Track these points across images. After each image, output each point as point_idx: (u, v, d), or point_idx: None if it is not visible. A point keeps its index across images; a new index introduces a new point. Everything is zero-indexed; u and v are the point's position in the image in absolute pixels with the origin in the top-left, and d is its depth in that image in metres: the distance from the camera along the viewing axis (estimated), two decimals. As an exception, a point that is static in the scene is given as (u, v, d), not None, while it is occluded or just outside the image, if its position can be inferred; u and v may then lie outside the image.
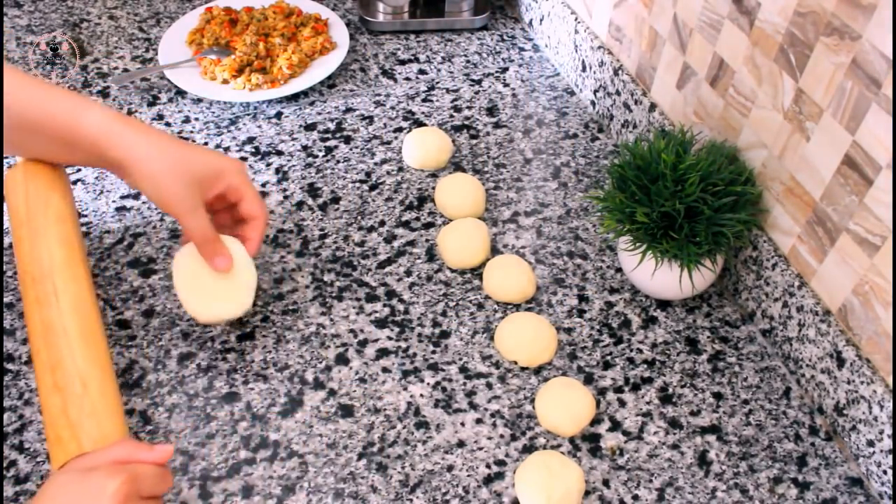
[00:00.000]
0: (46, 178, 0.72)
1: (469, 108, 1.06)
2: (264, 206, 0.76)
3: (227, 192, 0.73)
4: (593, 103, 1.06)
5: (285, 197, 0.93)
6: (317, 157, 0.98)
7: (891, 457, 0.65)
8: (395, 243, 0.88)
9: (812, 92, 0.68)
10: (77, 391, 0.61)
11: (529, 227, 0.91)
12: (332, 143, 1.00)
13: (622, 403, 0.74)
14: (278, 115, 1.04)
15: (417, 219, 0.91)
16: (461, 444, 0.71)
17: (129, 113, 1.03)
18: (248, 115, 1.04)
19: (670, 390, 0.76)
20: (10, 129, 0.66)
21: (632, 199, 0.75)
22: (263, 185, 0.94)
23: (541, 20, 1.16)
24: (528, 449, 0.71)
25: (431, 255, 0.87)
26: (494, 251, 0.88)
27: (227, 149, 0.98)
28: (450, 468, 0.69)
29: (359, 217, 0.91)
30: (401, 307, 0.82)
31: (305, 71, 1.07)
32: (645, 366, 0.77)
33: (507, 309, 0.82)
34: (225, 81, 1.05)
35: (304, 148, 0.99)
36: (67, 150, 0.69)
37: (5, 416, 0.71)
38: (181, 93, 1.06)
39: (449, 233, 0.85)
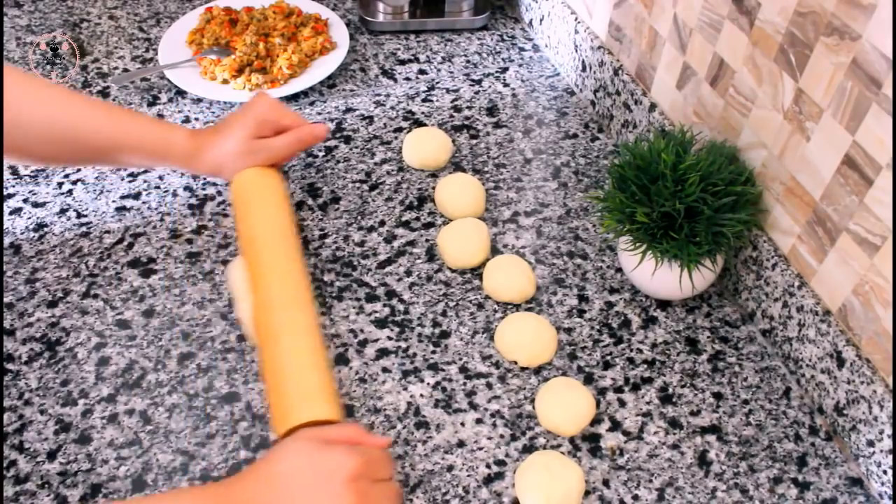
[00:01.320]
0: (275, 175, 0.85)
1: (469, 108, 1.06)
2: (298, 115, 0.87)
3: (273, 128, 0.84)
4: (593, 103, 1.06)
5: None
6: (317, 157, 0.98)
7: (891, 457, 0.65)
8: (395, 243, 0.88)
9: (812, 92, 0.68)
10: (315, 362, 0.68)
11: (529, 227, 0.91)
12: (332, 143, 1.00)
13: (622, 403, 0.74)
14: (278, 115, 1.04)
15: (417, 219, 0.91)
16: (461, 444, 0.71)
17: (129, 113, 1.03)
18: (248, 115, 1.04)
19: (670, 390, 0.76)
20: (107, 151, 0.79)
21: (632, 199, 0.75)
22: (263, 185, 0.94)
23: (541, 20, 1.16)
24: (528, 449, 0.71)
25: (431, 255, 0.87)
26: (494, 251, 0.88)
27: (227, 149, 0.98)
28: (450, 468, 0.69)
29: (359, 217, 0.91)
30: (401, 307, 0.82)
31: (305, 71, 1.07)
32: (645, 366, 0.77)
33: (507, 309, 0.82)
34: (225, 81, 1.05)
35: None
36: (159, 162, 0.84)
37: (5, 416, 0.71)
38: (181, 93, 1.06)
39: (449, 233, 0.85)
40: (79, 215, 0.90)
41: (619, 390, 0.75)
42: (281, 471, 0.56)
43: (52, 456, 0.69)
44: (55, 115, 0.74)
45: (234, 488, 0.57)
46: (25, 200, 0.91)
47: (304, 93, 1.07)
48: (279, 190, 0.83)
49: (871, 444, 0.68)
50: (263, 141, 0.82)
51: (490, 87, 1.10)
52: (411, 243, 0.88)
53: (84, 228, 0.88)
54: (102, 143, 0.77)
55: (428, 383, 0.75)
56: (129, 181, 0.94)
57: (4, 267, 0.84)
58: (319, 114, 1.04)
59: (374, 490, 0.57)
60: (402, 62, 1.14)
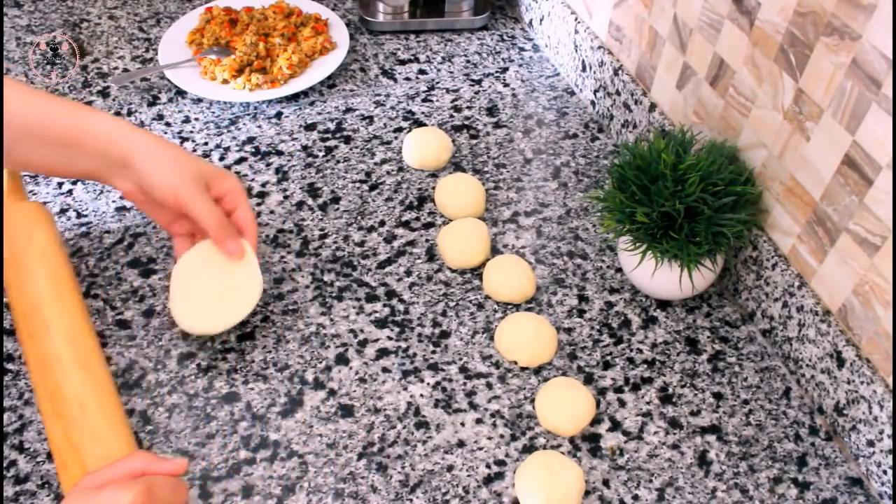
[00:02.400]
0: (27, 215, 0.74)
1: (469, 108, 1.06)
2: (255, 219, 0.77)
3: (226, 196, 0.74)
4: (593, 103, 1.06)
5: (285, 197, 0.93)
6: (317, 157, 0.98)
7: (891, 457, 0.65)
8: (395, 243, 0.88)
9: (812, 92, 0.68)
10: (76, 415, 0.62)
11: (529, 227, 0.91)
12: (332, 143, 1.00)
13: (622, 403, 0.74)
14: (278, 115, 1.04)
15: (417, 219, 0.91)
16: (461, 444, 0.71)
17: (129, 113, 1.03)
18: (248, 115, 1.04)
19: (670, 390, 0.76)
20: (14, 140, 0.66)
21: (632, 199, 0.75)
22: (263, 185, 0.94)
23: (541, 20, 1.16)
24: (528, 449, 0.71)
25: (431, 255, 0.87)
26: (494, 251, 0.88)
27: (227, 149, 0.99)
28: (450, 468, 0.69)
29: (359, 217, 0.91)
30: (401, 307, 0.82)
31: (305, 71, 1.07)
32: (645, 366, 0.77)
33: (507, 309, 0.82)
34: (225, 81, 1.05)
35: (304, 148, 0.99)
36: (72, 155, 0.69)
37: (5, 416, 0.71)
38: (181, 93, 1.06)
39: (449, 233, 0.85)
40: (79, 215, 0.90)
41: (619, 390, 0.75)
42: None
43: (52, 456, 0.69)
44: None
45: None
46: (25, 200, 0.91)
47: (304, 93, 1.07)
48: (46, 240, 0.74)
49: (871, 444, 0.68)
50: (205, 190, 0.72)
51: (490, 87, 1.10)
52: (411, 243, 0.88)
53: (84, 228, 0.88)
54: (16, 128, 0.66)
55: (428, 383, 0.75)
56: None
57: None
58: (319, 114, 1.04)
59: None
60: (402, 62, 1.14)
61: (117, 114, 1.03)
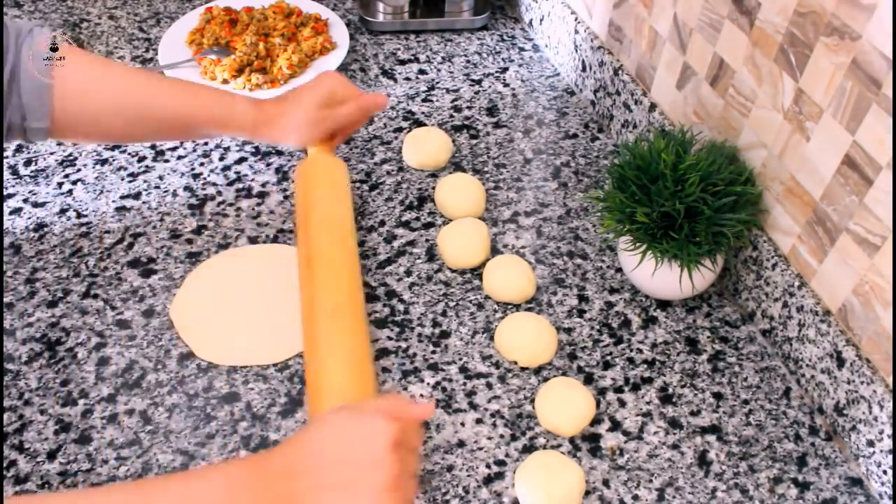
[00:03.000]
0: (334, 165, 0.85)
1: (469, 108, 1.06)
2: (360, 90, 0.88)
3: (338, 100, 0.85)
4: (593, 103, 1.06)
5: (285, 197, 0.93)
6: (317, 157, 0.98)
7: (891, 457, 0.65)
8: (395, 243, 0.88)
9: (812, 92, 0.68)
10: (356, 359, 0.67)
11: (529, 227, 0.91)
12: (332, 143, 1.00)
13: (622, 403, 0.74)
14: (278, 115, 1.04)
15: (417, 219, 0.91)
16: (461, 444, 0.71)
17: (129, 113, 1.03)
18: (248, 115, 1.04)
19: (670, 390, 0.76)
20: (174, 125, 0.80)
21: (632, 199, 0.75)
22: (263, 185, 0.94)
23: (541, 20, 1.16)
24: (528, 449, 0.71)
25: (431, 255, 0.87)
26: (494, 251, 0.88)
27: (227, 148, 0.99)
28: (450, 468, 0.69)
29: (359, 217, 0.91)
30: (401, 307, 0.82)
31: (305, 71, 1.07)
32: (645, 366, 0.77)
33: (507, 309, 0.82)
34: (225, 81, 1.05)
35: (305, 149, 0.99)
36: (225, 132, 0.84)
37: (5, 416, 0.71)
38: (181, 93, 1.06)
39: (449, 233, 0.85)
40: (79, 215, 0.90)
41: (619, 390, 0.75)
42: (320, 437, 0.55)
43: (52, 456, 0.69)
44: (123, 93, 0.77)
45: (270, 457, 0.55)
46: (25, 200, 0.91)
47: (304, 93, 1.07)
48: (342, 181, 0.84)
49: (871, 444, 0.68)
50: (329, 110, 0.84)
51: (490, 87, 1.10)
52: (411, 243, 0.88)
53: (84, 228, 0.88)
54: (170, 118, 0.80)
55: (428, 383, 0.75)
56: (129, 181, 0.94)
57: (4, 267, 0.84)
58: (319, 114, 1.04)
59: (409, 459, 0.57)
60: (402, 62, 1.14)
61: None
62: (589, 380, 0.76)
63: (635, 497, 0.68)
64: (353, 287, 0.73)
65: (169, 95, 0.79)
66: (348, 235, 0.78)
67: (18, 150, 0.97)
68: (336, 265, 0.74)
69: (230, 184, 0.94)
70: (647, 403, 0.74)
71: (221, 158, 0.97)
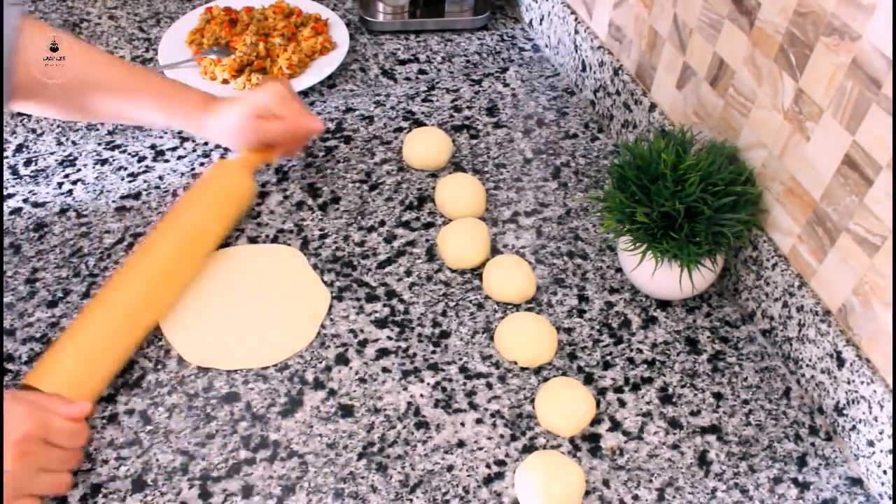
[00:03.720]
0: (238, 180, 0.87)
1: (469, 108, 1.06)
2: (302, 111, 0.89)
3: (271, 113, 0.86)
4: (593, 103, 1.06)
5: (285, 197, 0.93)
6: (317, 157, 0.98)
7: (891, 457, 0.65)
8: (395, 243, 0.88)
9: (812, 92, 0.68)
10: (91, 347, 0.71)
11: (529, 227, 0.91)
12: (332, 143, 1.00)
13: (622, 403, 0.74)
14: (278, 115, 1.04)
15: (417, 219, 0.91)
16: (461, 444, 0.71)
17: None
18: (248, 115, 1.04)
19: (670, 390, 0.76)
20: (124, 101, 0.84)
21: (632, 199, 0.75)
22: (263, 185, 0.94)
23: (541, 20, 1.16)
24: (528, 449, 0.71)
25: (431, 255, 0.87)
26: (494, 251, 0.88)
27: (226, 149, 0.98)
28: (450, 468, 0.69)
29: (359, 217, 0.91)
30: (401, 307, 0.82)
31: (305, 71, 1.07)
32: (645, 366, 0.77)
33: (507, 309, 0.82)
34: (225, 81, 1.05)
35: (304, 148, 0.99)
36: (172, 119, 0.87)
37: (5, 416, 0.71)
38: (181, 93, 1.06)
39: (449, 233, 0.85)
40: (79, 215, 0.90)
41: (619, 390, 0.75)
42: None
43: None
44: (81, 69, 0.79)
45: None
46: (25, 200, 0.91)
47: (304, 93, 1.07)
48: (233, 200, 0.86)
49: (871, 444, 0.68)
50: (259, 121, 0.85)
51: (490, 87, 1.10)
52: (411, 243, 0.88)
53: (84, 228, 0.88)
54: (112, 85, 0.82)
55: (428, 383, 0.75)
56: (129, 181, 0.94)
57: (4, 267, 0.84)
58: (319, 113, 1.04)
59: (43, 453, 0.62)
60: (402, 62, 1.14)
61: (117, 114, 1.03)
62: (589, 380, 0.76)
63: (635, 497, 0.68)
64: (154, 297, 0.77)
65: (118, 76, 0.82)
66: (197, 250, 0.81)
67: (18, 150, 0.97)
68: (160, 270, 0.78)
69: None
70: (647, 403, 0.74)
71: (222, 157, 0.97)
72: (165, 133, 1.00)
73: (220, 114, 0.85)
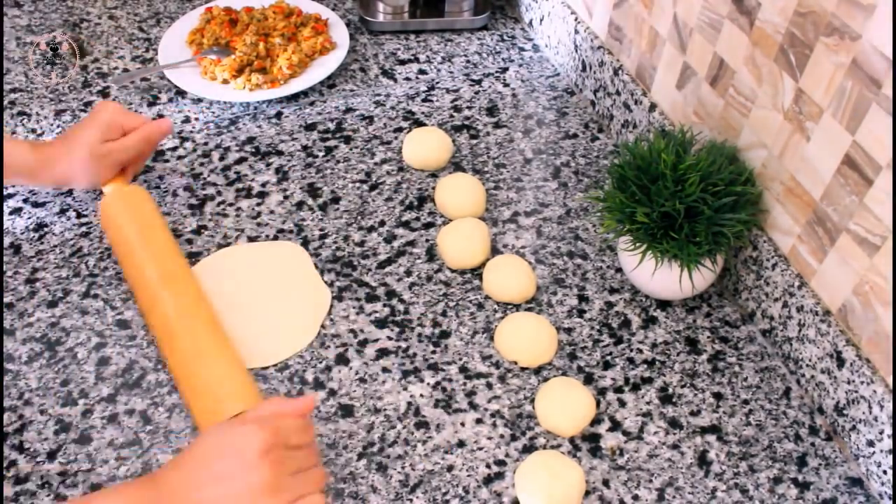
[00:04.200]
0: (130, 196, 0.85)
1: (469, 108, 1.06)
2: (143, 117, 0.88)
3: (120, 130, 0.86)
4: (593, 103, 1.06)
5: (285, 197, 0.93)
6: (317, 157, 0.98)
7: (891, 457, 0.65)
8: (395, 243, 0.88)
9: (812, 92, 0.68)
10: (217, 361, 0.72)
11: (529, 227, 0.91)
12: (332, 143, 1.00)
13: (622, 403, 0.74)
14: (278, 115, 1.04)
15: (417, 219, 0.91)
16: (461, 444, 0.71)
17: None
18: (248, 115, 1.04)
19: (670, 390, 0.76)
20: None
21: (632, 199, 0.75)
22: (263, 185, 0.94)
23: (541, 20, 1.16)
24: (528, 449, 0.71)
25: (431, 255, 0.87)
26: (494, 251, 0.88)
27: (227, 149, 0.99)
28: (450, 468, 0.69)
29: (359, 217, 0.91)
30: (401, 307, 0.82)
31: (305, 71, 1.07)
32: (645, 366, 0.77)
33: (507, 309, 0.82)
34: (225, 81, 1.05)
35: (304, 148, 0.99)
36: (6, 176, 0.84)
37: (5, 416, 0.71)
38: (181, 93, 1.06)
39: (449, 233, 0.85)
40: (79, 215, 0.90)
41: (619, 390, 0.75)
42: (199, 453, 0.59)
43: (52, 456, 0.69)
44: None
45: (164, 475, 0.59)
46: (25, 200, 0.91)
47: (304, 93, 1.07)
48: (150, 209, 0.85)
49: (871, 444, 0.68)
50: (111, 143, 0.84)
51: (490, 87, 1.10)
52: (411, 243, 0.88)
53: (84, 228, 0.88)
54: None
55: (428, 383, 0.75)
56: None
57: (4, 267, 0.84)
58: (319, 114, 1.04)
59: (290, 457, 0.60)
60: (402, 62, 1.14)
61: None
62: (589, 380, 0.76)
63: (635, 497, 0.68)
64: (207, 304, 0.77)
65: None
66: (179, 258, 0.81)
67: (18, 150, 0.97)
68: (188, 286, 0.77)
69: (230, 184, 0.94)
70: (647, 403, 0.74)
71: (222, 158, 0.97)
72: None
73: (65, 155, 0.83)
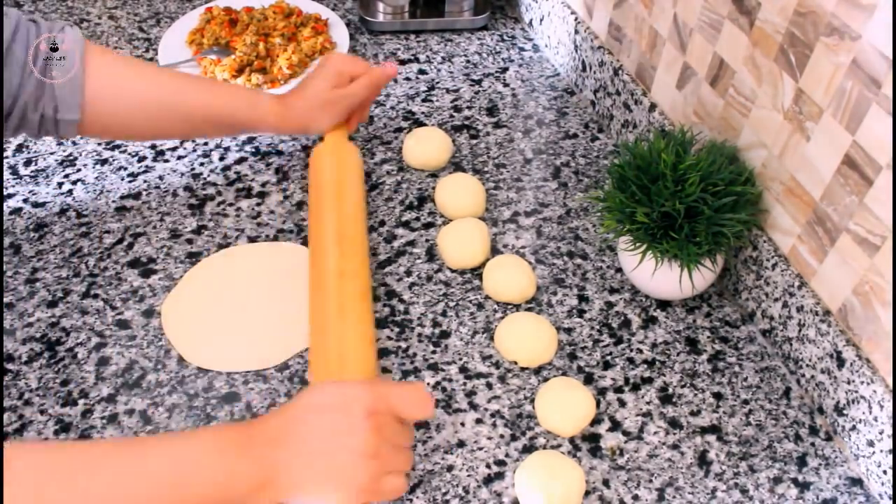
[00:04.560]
0: (350, 154, 0.88)
1: (469, 108, 1.06)
2: (368, 63, 0.91)
3: (347, 78, 0.88)
4: (593, 103, 1.06)
5: (285, 197, 0.93)
6: (317, 157, 0.98)
7: (891, 457, 0.65)
8: (395, 243, 0.88)
9: (812, 92, 0.68)
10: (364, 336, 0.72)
11: (529, 227, 0.91)
12: (332, 143, 1.00)
13: (622, 403, 0.74)
14: (278, 115, 1.04)
15: (417, 219, 0.91)
16: (461, 444, 0.71)
17: (129, 113, 1.03)
18: (248, 115, 1.04)
19: (670, 390, 0.76)
20: (202, 122, 0.84)
21: (632, 199, 0.75)
22: (263, 185, 0.94)
23: (541, 20, 1.16)
24: (528, 449, 0.71)
25: (431, 255, 0.87)
26: (494, 251, 0.88)
27: (227, 148, 0.99)
28: (450, 468, 0.69)
29: (359, 217, 0.91)
30: (401, 307, 0.82)
31: (305, 71, 1.07)
32: (645, 366, 0.77)
33: (507, 309, 0.82)
34: (225, 81, 1.05)
35: (304, 148, 0.99)
36: (251, 129, 0.88)
37: (5, 416, 0.71)
38: (181, 93, 1.06)
39: (449, 233, 0.85)
40: (79, 215, 0.90)
41: (619, 390, 0.75)
42: (304, 406, 0.58)
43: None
44: (151, 91, 0.80)
45: (260, 424, 0.58)
46: (25, 200, 0.91)
47: (304, 93, 1.07)
48: (356, 166, 0.87)
49: (871, 444, 0.68)
50: (341, 90, 0.87)
51: (490, 87, 1.10)
52: (411, 243, 0.88)
53: (84, 228, 0.88)
54: (196, 116, 0.83)
55: (428, 383, 0.75)
56: (129, 181, 0.94)
57: (4, 267, 0.84)
58: (319, 114, 1.04)
59: (392, 427, 0.58)
60: (402, 62, 1.14)
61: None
62: (589, 380, 0.76)
63: (635, 497, 0.68)
64: (365, 275, 0.77)
65: (195, 94, 0.82)
66: (360, 224, 0.82)
67: (18, 149, 0.97)
68: (357, 251, 0.78)
69: (230, 184, 0.94)
70: (647, 403, 0.74)
71: (221, 158, 0.97)
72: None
73: (302, 105, 0.86)
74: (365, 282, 0.76)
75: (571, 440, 0.71)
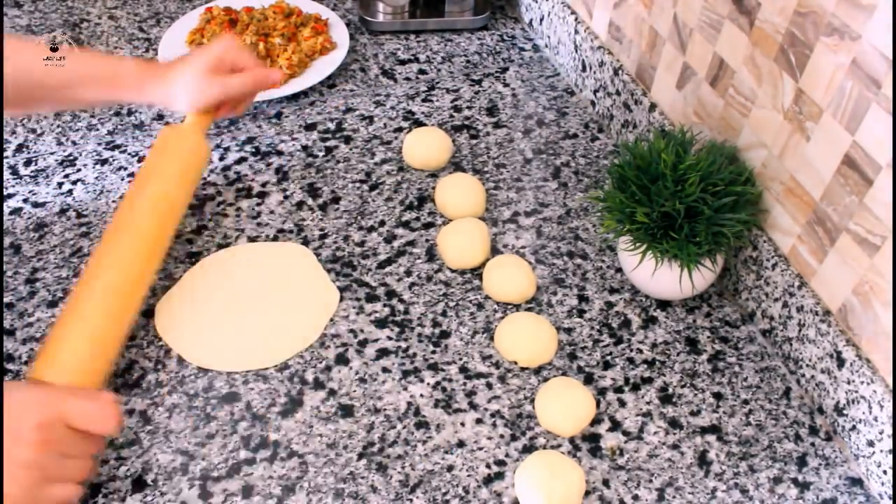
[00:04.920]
0: (194, 146, 0.85)
1: (469, 108, 1.06)
2: (257, 60, 0.87)
3: (229, 67, 0.85)
4: (593, 103, 1.06)
5: (285, 197, 0.93)
6: (317, 157, 0.98)
7: (891, 457, 0.65)
8: (395, 243, 0.88)
9: (812, 92, 0.68)
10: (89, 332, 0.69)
11: (529, 227, 0.91)
12: (332, 143, 1.00)
13: (622, 403, 0.74)
14: (278, 115, 1.04)
15: (417, 219, 0.91)
16: (461, 444, 0.71)
17: (130, 113, 1.03)
18: (248, 114, 1.04)
19: (670, 390, 0.76)
20: (59, 88, 0.80)
21: (632, 199, 0.75)
22: (263, 185, 0.94)
23: (541, 20, 1.16)
24: (528, 449, 0.71)
25: (431, 255, 0.87)
26: (494, 251, 0.88)
27: (227, 149, 0.99)
28: (450, 468, 0.69)
29: (359, 217, 0.91)
30: (401, 307, 0.82)
31: (305, 71, 1.07)
32: (645, 366, 0.77)
33: (507, 309, 0.82)
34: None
35: (304, 148, 0.99)
36: (113, 94, 0.83)
37: (5, 416, 0.71)
38: (181, 93, 1.06)
39: (449, 233, 0.85)
40: (79, 215, 0.90)
41: (619, 390, 0.75)
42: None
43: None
44: (13, 65, 0.76)
45: None
46: (25, 200, 0.91)
47: (304, 93, 1.07)
48: (196, 164, 0.84)
49: (871, 444, 0.68)
50: (215, 77, 0.83)
51: (490, 87, 1.10)
52: (411, 243, 0.88)
53: (84, 228, 0.88)
54: (54, 82, 0.79)
55: (428, 383, 0.75)
56: (130, 181, 0.94)
57: (4, 267, 0.84)
58: (319, 114, 1.04)
59: (64, 437, 0.58)
60: (402, 62, 1.14)
61: (117, 114, 1.03)
62: (589, 380, 0.76)
63: (635, 497, 0.68)
64: (142, 273, 0.75)
65: (59, 70, 0.79)
66: (170, 221, 0.79)
67: (18, 149, 0.97)
68: (137, 239, 0.75)
69: (230, 184, 0.94)
70: (647, 403, 0.74)
71: (222, 158, 0.97)
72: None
73: (171, 77, 0.82)
74: (125, 276, 0.73)
75: (571, 440, 0.71)
